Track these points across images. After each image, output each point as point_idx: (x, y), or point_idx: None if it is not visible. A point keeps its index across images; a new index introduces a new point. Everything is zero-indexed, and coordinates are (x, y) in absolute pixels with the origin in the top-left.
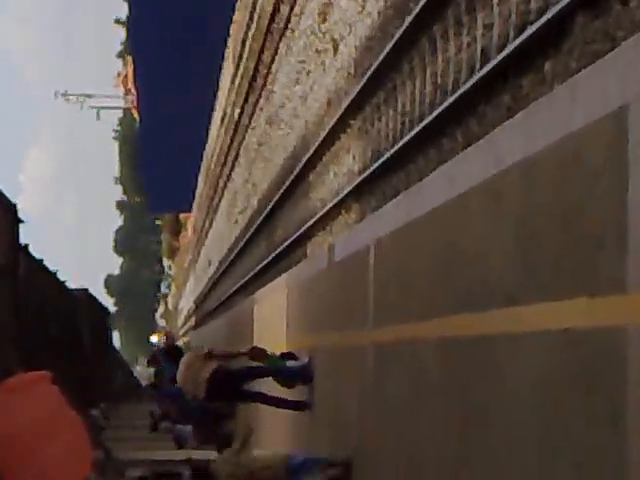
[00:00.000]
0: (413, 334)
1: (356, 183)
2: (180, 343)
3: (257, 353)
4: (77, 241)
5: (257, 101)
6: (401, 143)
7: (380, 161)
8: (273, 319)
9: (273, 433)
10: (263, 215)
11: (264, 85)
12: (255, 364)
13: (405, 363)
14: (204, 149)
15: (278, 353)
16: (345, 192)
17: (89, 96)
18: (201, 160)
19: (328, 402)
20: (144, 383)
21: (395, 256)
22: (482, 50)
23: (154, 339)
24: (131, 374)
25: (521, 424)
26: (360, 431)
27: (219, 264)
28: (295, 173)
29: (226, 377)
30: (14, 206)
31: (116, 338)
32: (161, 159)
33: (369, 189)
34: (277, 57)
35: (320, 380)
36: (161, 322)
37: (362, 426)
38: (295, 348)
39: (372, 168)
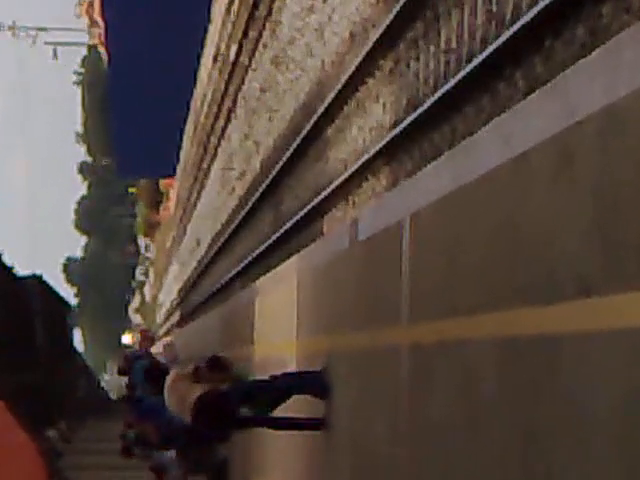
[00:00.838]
0: (460, 333)
1: (387, 140)
2: (160, 345)
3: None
4: (28, 214)
5: (259, 35)
6: (445, 89)
7: (418, 112)
8: (280, 315)
9: (279, 464)
10: (267, 181)
11: (268, 15)
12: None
13: (450, 369)
14: (191, 97)
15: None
16: (373, 152)
17: (43, 29)
18: (187, 111)
19: (349, 421)
20: (114, 396)
21: (437, 234)
22: None
23: (126, 340)
24: (98, 384)
25: (599, 446)
26: (391, 458)
27: (211, 244)
28: (308, 127)
29: (217, 401)
30: None
31: (78, 339)
32: (136, 110)
33: (403, 148)
34: None
35: (339, 393)
36: (136, 318)
37: (394, 452)
38: (308, 351)
39: (407, 121)
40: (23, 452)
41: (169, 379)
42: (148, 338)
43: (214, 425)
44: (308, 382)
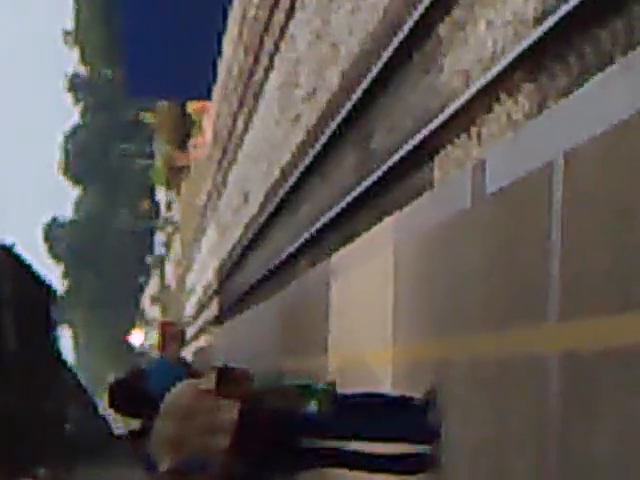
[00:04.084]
0: (639, 336)
1: (530, 42)
2: (190, 352)
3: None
4: None
5: None
6: None
7: None
8: (368, 307)
9: None
10: (350, 105)
11: None
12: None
13: (622, 388)
14: None
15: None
16: (509, 59)
17: None
18: (229, 0)
19: (471, 460)
20: (121, 429)
21: (604, 184)
22: None
23: (136, 339)
24: (95, 411)
25: None
26: None
27: (265, 200)
28: (412, 23)
29: (272, 420)
30: None
31: (67, 341)
32: None
33: (554, 53)
34: None
35: (456, 420)
36: (153, 311)
37: None
38: (410, 362)
39: (562, 11)
40: None
41: (176, 396)
42: (175, 335)
43: (266, 449)
44: (411, 424)
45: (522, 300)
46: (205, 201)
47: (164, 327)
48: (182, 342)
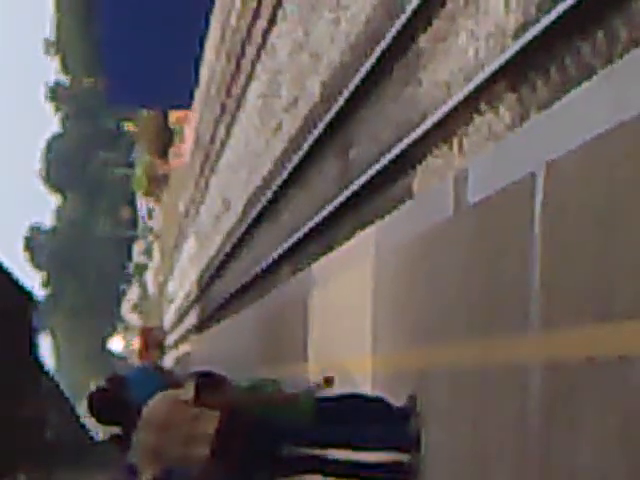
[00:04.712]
0: (622, 345)
1: (511, 53)
2: (170, 360)
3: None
4: None
5: None
6: None
7: (558, 9)
8: (348, 316)
9: None
10: (331, 114)
11: None
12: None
13: (607, 401)
14: None
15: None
16: (490, 70)
17: None
18: (210, 7)
19: (451, 469)
20: (101, 435)
21: (586, 194)
22: None
23: (115, 345)
24: (75, 418)
25: None
26: None
27: (245, 208)
28: (393, 34)
29: (252, 428)
30: None
31: (47, 348)
32: (135, 5)
33: (536, 64)
34: None
35: (436, 432)
36: (133, 319)
37: None
38: (389, 372)
39: (543, 23)
40: None
41: (152, 408)
42: (156, 341)
43: (246, 456)
44: (394, 427)
45: (504, 310)
46: (186, 209)
47: (145, 333)
48: (162, 348)
